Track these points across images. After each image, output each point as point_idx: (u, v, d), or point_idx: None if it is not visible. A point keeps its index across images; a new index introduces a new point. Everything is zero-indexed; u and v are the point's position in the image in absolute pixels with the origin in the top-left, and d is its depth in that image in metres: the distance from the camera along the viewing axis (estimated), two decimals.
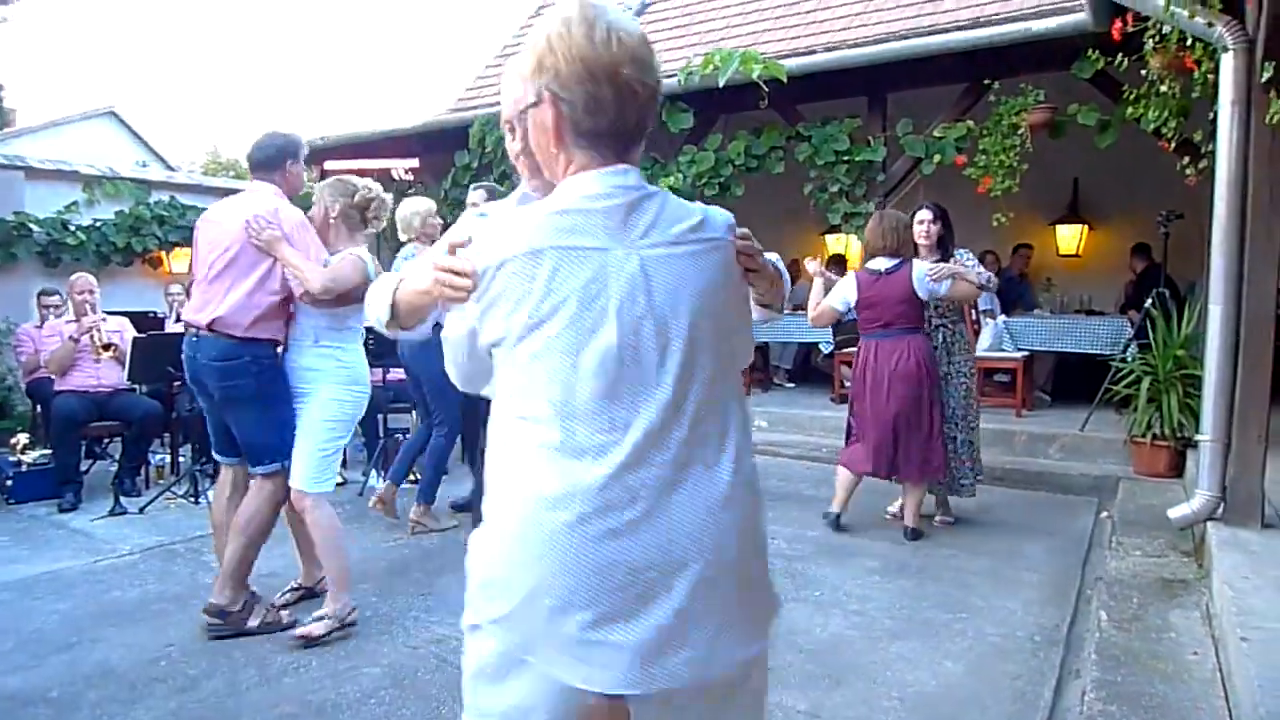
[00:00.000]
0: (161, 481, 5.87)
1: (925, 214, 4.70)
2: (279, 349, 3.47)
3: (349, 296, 3.33)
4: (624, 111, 1.26)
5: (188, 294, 6.61)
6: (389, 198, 3.65)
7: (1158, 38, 4.34)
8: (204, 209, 10.37)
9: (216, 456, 3.65)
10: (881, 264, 4.57)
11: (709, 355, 1.27)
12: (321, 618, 3.33)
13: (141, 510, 5.28)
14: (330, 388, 3.42)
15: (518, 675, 1.24)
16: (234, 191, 10.64)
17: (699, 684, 1.24)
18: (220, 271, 3.35)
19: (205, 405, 3.57)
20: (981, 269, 4.77)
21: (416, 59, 64.20)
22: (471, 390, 1.42)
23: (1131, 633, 3.18)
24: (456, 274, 1.26)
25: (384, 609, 3.68)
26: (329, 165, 10.17)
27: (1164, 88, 4.64)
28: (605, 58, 1.22)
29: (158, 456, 6.21)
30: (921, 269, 4.49)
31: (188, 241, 9.30)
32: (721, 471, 1.27)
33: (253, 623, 3.40)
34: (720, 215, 1.36)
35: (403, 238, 4.94)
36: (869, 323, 4.60)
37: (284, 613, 3.47)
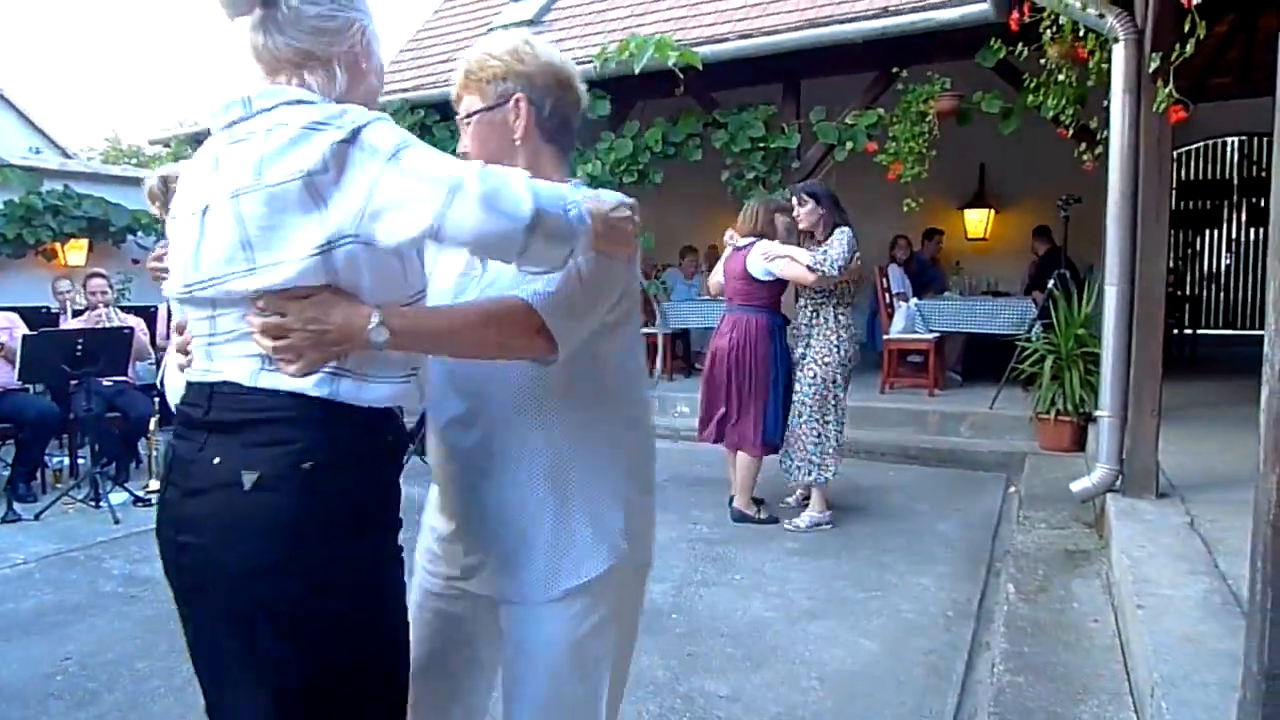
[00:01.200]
0: (59, 485, 5.59)
1: (794, 199, 4.76)
2: None
3: None
4: (573, 115, 1.54)
5: (86, 288, 6.34)
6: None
7: (1054, 28, 4.48)
8: (101, 198, 9.90)
9: None
10: (741, 243, 4.76)
11: None
12: None
13: (37, 516, 5.02)
14: None
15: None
16: (136, 180, 10.23)
17: None
18: None
19: None
20: (834, 253, 4.38)
21: None
22: (569, 351, 1.36)
23: (1038, 604, 3.30)
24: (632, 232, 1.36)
25: None
26: None
27: (1061, 77, 4.80)
28: (565, 70, 1.52)
29: (55, 459, 5.92)
30: (759, 249, 4.62)
31: (84, 233, 8.94)
32: None
33: None
34: None
35: None
36: (726, 297, 4.87)
37: None
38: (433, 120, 8.30)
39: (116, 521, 4.86)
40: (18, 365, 5.32)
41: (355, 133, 1.15)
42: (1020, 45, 4.80)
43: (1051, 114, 5.07)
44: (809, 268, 4.43)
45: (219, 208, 1.19)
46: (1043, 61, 4.83)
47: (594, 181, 7.54)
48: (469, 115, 1.48)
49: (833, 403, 4.56)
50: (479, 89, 1.47)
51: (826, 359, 4.55)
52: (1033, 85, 5.15)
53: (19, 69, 47.72)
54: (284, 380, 1.19)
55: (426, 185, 1.14)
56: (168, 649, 3.19)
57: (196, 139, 10.31)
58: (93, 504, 5.20)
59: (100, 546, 4.46)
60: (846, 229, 4.49)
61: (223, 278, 1.19)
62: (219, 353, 1.24)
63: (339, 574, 1.21)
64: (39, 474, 5.65)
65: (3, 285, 7.57)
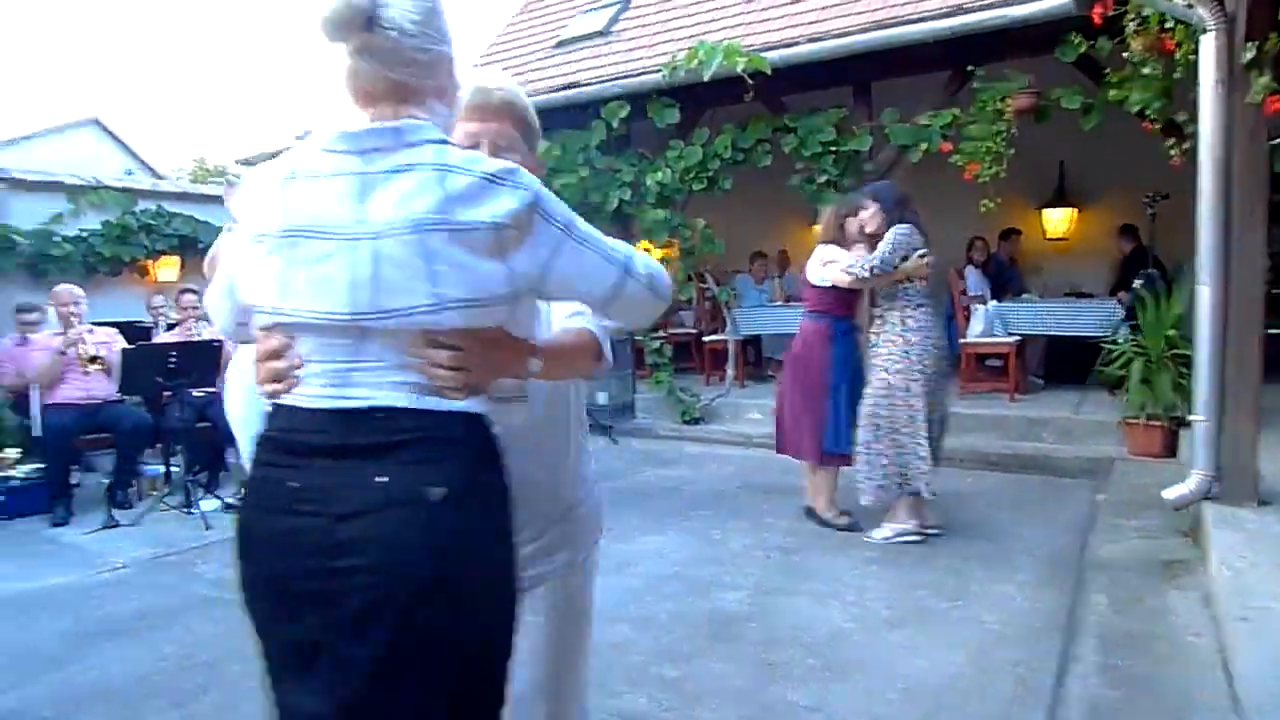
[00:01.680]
0: (154, 493, 5.83)
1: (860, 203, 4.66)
2: None
3: None
4: None
5: (179, 303, 6.61)
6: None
7: (1138, 20, 4.34)
8: (191, 216, 10.25)
9: None
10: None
11: None
12: None
13: (135, 523, 5.24)
14: None
15: None
16: (223, 199, 10.64)
17: None
18: None
19: None
20: (876, 253, 4.31)
21: None
22: None
23: (1131, 616, 3.19)
24: None
25: None
26: None
27: (1146, 70, 4.64)
28: None
29: (150, 468, 6.18)
30: (816, 255, 4.65)
31: (174, 250, 9.33)
32: None
33: None
34: None
35: None
36: None
37: None
38: None
39: (208, 527, 5.05)
40: (118, 377, 5.57)
41: (536, 197, 1.24)
42: (1102, 38, 4.65)
43: (1136, 108, 4.90)
44: (844, 271, 4.40)
45: (398, 239, 1.19)
46: (1126, 55, 4.68)
47: (664, 189, 7.59)
48: (513, 149, 1.53)
49: (908, 413, 4.28)
50: (522, 129, 1.59)
51: (896, 365, 4.31)
52: (1116, 79, 4.99)
53: (111, 95, 50.15)
54: (453, 403, 1.25)
55: (603, 261, 1.34)
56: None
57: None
58: (185, 510, 5.41)
59: (193, 551, 4.63)
60: (899, 228, 4.30)
61: (405, 310, 1.20)
62: (361, 379, 1.24)
63: (503, 567, 1.30)
64: (135, 482, 5.91)
65: (101, 301, 7.91)
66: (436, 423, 1.24)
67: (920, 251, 4.32)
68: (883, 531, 4.44)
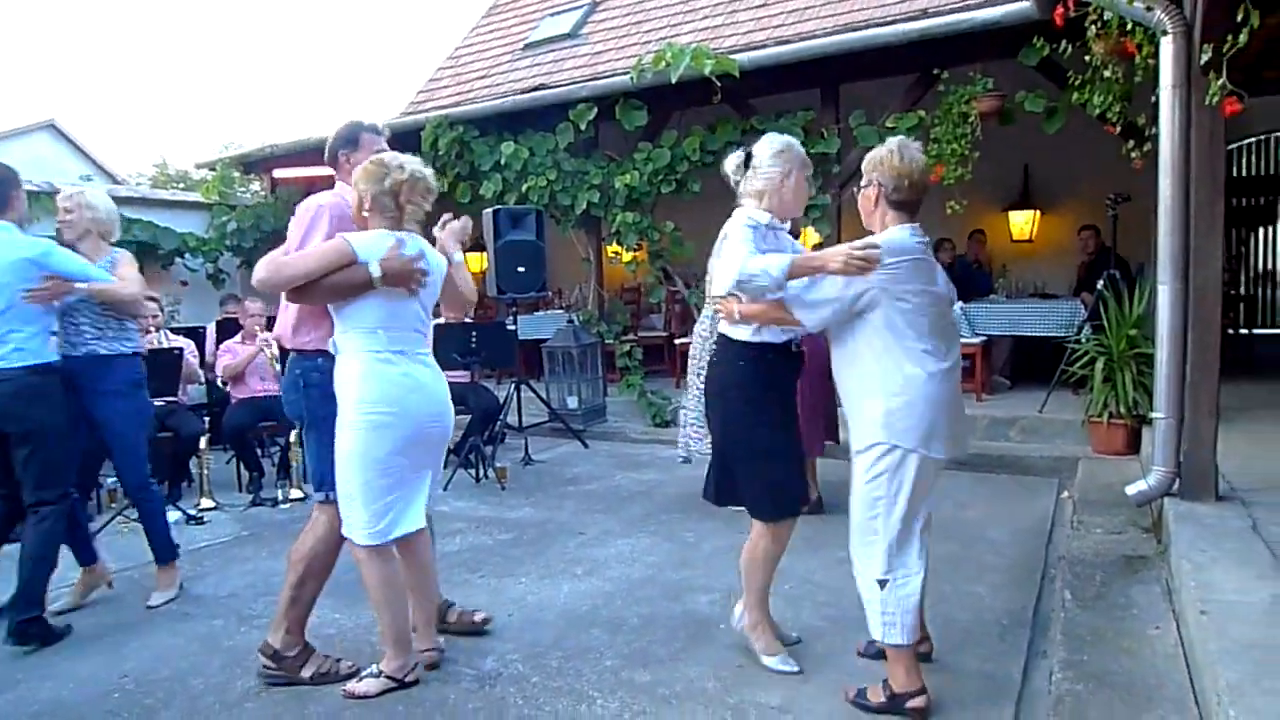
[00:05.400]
0: (114, 505, 5.70)
1: None
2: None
3: (319, 292, 2.85)
4: (919, 192, 2.72)
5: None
6: (428, 177, 3.05)
7: (1099, 23, 4.39)
8: (150, 222, 10.03)
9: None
10: None
11: None
12: (377, 674, 2.98)
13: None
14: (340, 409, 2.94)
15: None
16: (184, 204, 10.49)
17: None
18: None
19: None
20: None
21: (365, 63, 63.57)
22: (819, 326, 2.76)
23: (1096, 611, 3.22)
24: (868, 260, 2.48)
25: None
26: (278, 173, 10.03)
27: (1107, 73, 4.70)
28: (906, 168, 2.68)
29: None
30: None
31: (134, 257, 9.19)
32: None
33: (306, 673, 3.06)
34: None
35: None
36: None
37: (343, 663, 3.12)
38: (471, 136, 8.35)
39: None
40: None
41: None
42: (1064, 43, 4.70)
43: (1098, 111, 4.96)
44: None
45: None
46: (1088, 58, 4.74)
47: (633, 192, 7.59)
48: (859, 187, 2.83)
49: None
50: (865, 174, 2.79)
51: None
52: (1077, 83, 5.04)
53: (69, 99, 49.28)
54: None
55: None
56: (220, 666, 3.24)
57: (241, 162, 10.50)
58: None
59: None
60: None
61: None
62: None
63: None
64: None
65: None
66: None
67: None
68: None
